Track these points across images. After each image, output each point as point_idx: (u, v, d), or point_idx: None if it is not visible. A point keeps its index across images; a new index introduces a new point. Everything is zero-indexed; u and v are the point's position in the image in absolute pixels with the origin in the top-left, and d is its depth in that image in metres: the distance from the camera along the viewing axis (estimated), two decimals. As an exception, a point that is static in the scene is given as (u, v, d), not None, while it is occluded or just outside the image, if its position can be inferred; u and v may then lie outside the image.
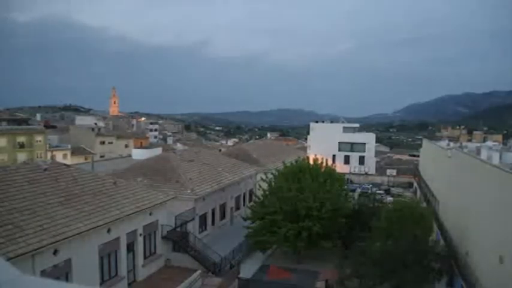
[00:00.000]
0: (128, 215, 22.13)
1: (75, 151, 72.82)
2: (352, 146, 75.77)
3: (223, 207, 36.22)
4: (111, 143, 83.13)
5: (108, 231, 20.77)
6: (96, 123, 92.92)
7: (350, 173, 67.87)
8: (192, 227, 29.78)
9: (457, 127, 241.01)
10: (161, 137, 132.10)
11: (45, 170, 22.19)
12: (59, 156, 62.62)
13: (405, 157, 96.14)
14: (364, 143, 75.63)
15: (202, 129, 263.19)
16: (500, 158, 29.22)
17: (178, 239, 27.29)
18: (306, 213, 28.45)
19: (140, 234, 23.92)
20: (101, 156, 72.69)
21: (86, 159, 66.97)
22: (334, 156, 71.60)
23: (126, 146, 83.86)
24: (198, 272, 24.64)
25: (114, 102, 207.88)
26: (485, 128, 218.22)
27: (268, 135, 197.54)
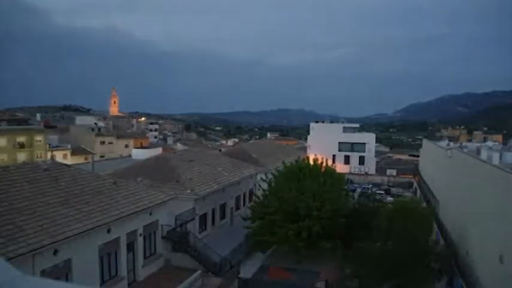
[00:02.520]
0: (128, 215, 22.12)
1: (75, 151, 72.85)
2: (352, 146, 75.79)
3: (223, 207, 36.21)
4: (111, 143, 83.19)
5: (108, 231, 20.76)
6: (96, 123, 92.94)
7: (350, 173, 67.87)
8: (192, 227, 29.77)
9: (457, 127, 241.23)
10: (161, 137, 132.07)
11: (45, 170, 22.19)
12: (59, 156, 62.58)
13: (405, 157, 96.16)
14: (364, 143, 75.65)
15: (202, 129, 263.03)
16: (500, 158, 29.28)
17: (178, 239, 27.28)
18: (306, 213, 28.44)
19: (140, 234, 23.91)
20: (101, 156, 72.70)
21: (86, 159, 66.98)
22: (334, 156, 71.60)
23: (126, 146, 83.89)
24: (198, 272, 24.63)
25: (114, 102, 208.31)
26: (485, 128, 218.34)
27: (268, 135, 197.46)
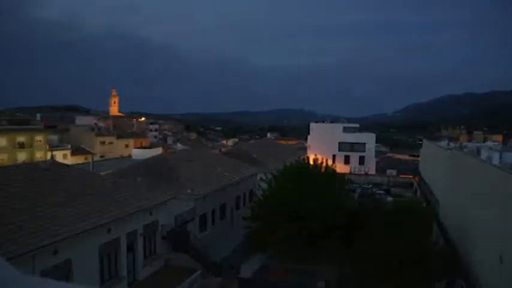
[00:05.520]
0: (128, 215, 22.11)
1: (75, 151, 72.84)
2: (352, 146, 75.80)
3: (223, 207, 36.20)
4: (111, 143, 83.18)
5: (108, 231, 20.74)
6: (96, 123, 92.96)
7: (350, 173, 67.88)
8: (192, 227, 29.77)
9: (457, 127, 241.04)
10: (161, 137, 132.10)
11: (45, 170, 22.18)
12: (59, 156, 62.53)
13: (405, 157, 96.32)
14: (364, 143, 75.67)
15: (202, 129, 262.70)
16: (500, 158, 29.23)
17: (178, 239, 27.28)
18: (306, 213, 28.45)
19: (140, 234, 23.90)
20: (101, 156, 72.73)
21: (86, 159, 66.95)
22: (334, 156, 71.62)
23: (126, 146, 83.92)
24: (198, 272, 24.64)
25: (114, 102, 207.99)
26: (486, 128, 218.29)
27: (268, 135, 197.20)
